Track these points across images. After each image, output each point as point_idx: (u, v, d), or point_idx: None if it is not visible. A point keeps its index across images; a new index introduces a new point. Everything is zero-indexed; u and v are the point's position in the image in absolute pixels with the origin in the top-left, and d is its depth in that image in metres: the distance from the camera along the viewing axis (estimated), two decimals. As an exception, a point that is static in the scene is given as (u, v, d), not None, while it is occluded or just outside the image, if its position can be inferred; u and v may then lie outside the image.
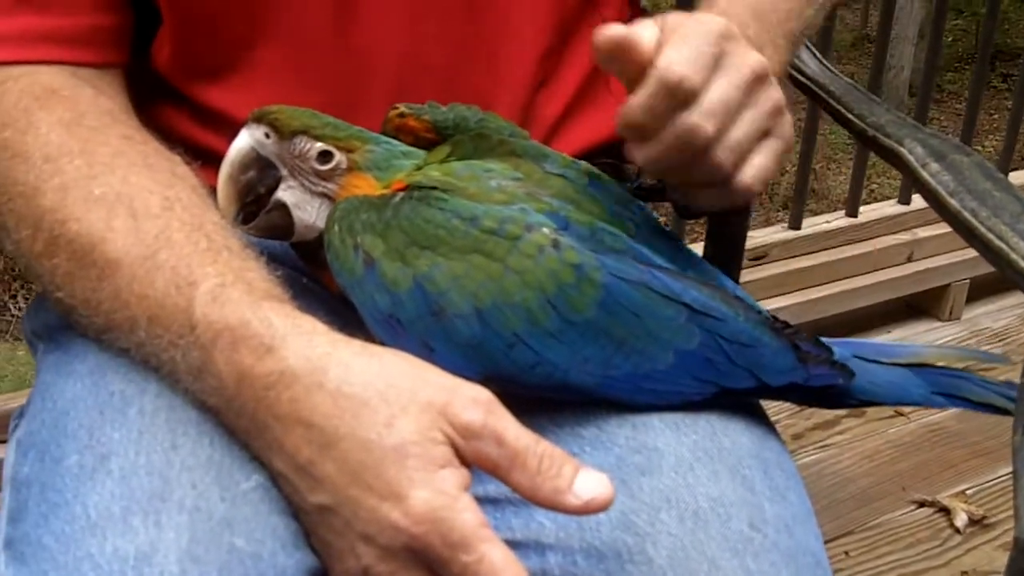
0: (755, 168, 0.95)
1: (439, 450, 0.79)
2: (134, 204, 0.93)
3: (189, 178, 0.99)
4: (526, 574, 0.78)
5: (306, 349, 0.83)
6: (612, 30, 0.90)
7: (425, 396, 0.81)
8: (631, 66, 0.90)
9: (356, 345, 0.85)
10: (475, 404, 0.81)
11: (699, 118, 0.90)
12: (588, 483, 0.80)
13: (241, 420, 0.86)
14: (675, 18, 0.93)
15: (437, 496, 0.78)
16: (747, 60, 0.94)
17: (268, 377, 0.82)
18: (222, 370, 0.85)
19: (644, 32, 0.91)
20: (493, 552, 0.77)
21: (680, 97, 0.89)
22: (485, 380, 0.89)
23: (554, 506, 0.80)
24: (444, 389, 0.82)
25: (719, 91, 0.91)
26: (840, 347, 1.02)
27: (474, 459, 0.81)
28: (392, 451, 0.79)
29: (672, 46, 0.90)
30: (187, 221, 0.93)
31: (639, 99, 0.90)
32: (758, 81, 0.94)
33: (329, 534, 0.83)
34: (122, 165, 0.96)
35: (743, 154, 0.94)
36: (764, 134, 0.96)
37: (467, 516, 0.78)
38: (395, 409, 0.80)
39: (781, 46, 1.11)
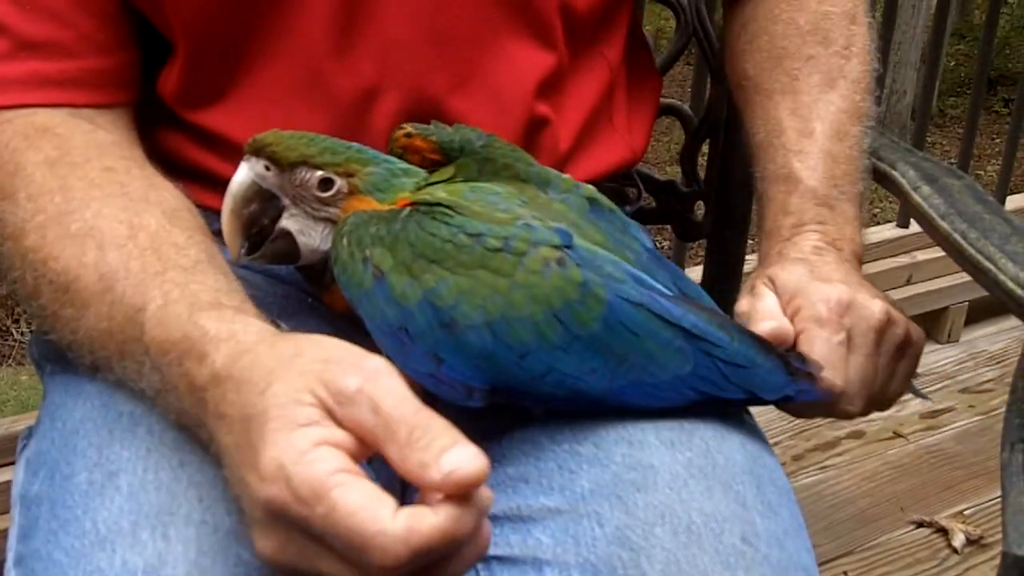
0: (889, 400, 1.08)
1: (302, 411, 0.75)
2: (103, 236, 0.94)
3: (166, 202, 0.99)
4: (389, 509, 0.70)
5: (232, 348, 0.82)
6: (762, 326, 1.00)
7: (308, 365, 0.77)
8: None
9: (280, 337, 0.83)
10: (357, 370, 0.76)
11: (847, 405, 1.02)
12: (454, 456, 0.71)
13: (200, 431, 0.86)
14: (791, 284, 1.04)
15: (285, 453, 0.72)
16: (871, 320, 1.03)
17: (205, 381, 0.82)
18: (177, 385, 0.85)
19: (767, 303, 1.03)
20: (347, 496, 0.70)
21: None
22: (494, 390, 0.90)
23: (419, 481, 0.72)
24: (332, 359, 0.78)
25: (856, 371, 1.02)
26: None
27: (351, 426, 0.75)
28: (258, 418, 0.75)
29: (808, 344, 1.00)
30: (146, 246, 0.93)
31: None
32: (882, 332, 1.03)
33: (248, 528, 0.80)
34: (97, 198, 0.97)
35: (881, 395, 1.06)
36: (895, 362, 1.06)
37: (317, 467, 0.71)
38: (272, 379, 0.77)
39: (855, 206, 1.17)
